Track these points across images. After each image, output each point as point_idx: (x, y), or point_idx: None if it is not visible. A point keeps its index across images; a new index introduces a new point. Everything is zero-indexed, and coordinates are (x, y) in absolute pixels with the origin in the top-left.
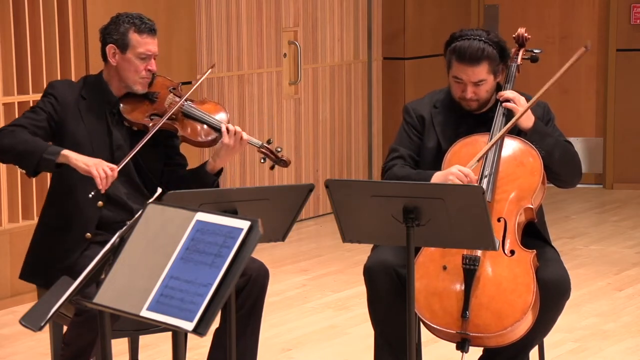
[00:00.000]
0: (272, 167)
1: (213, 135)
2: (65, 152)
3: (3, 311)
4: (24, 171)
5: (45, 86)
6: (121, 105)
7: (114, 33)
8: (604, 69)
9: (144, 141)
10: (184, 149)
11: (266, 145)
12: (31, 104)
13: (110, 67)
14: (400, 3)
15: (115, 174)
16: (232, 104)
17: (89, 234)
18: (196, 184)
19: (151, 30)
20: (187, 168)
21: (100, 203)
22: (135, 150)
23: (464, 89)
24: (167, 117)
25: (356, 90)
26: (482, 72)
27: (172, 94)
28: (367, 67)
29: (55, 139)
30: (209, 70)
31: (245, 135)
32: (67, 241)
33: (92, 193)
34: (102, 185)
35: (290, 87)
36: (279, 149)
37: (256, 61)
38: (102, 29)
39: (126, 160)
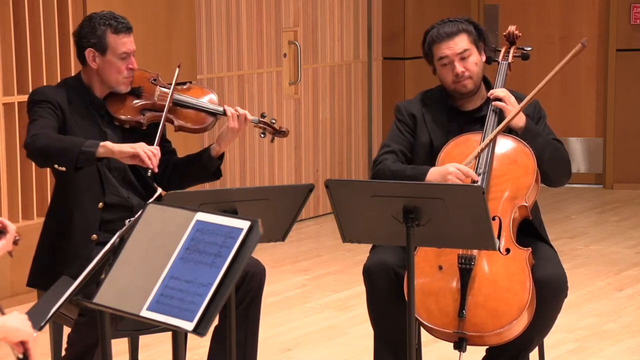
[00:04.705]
0: (272, 140)
1: (209, 120)
2: (104, 142)
3: None
4: (63, 168)
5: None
6: (108, 106)
7: (91, 36)
8: (604, 69)
9: (161, 129)
10: (180, 136)
11: (263, 120)
12: None
13: (90, 70)
14: (400, 3)
15: (159, 152)
16: (232, 104)
17: (94, 235)
18: (197, 170)
19: (127, 29)
20: (187, 154)
21: (100, 205)
22: (160, 132)
23: (453, 67)
24: (167, 109)
25: (356, 90)
26: (462, 41)
27: (157, 85)
28: (367, 67)
29: None
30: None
31: (249, 115)
32: (73, 245)
33: (149, 173)
34: (154, 165)
35: (290, 87)
36: (274, 120)
37: (256, 61)
38: (75, 32)
39: (159, 139)
